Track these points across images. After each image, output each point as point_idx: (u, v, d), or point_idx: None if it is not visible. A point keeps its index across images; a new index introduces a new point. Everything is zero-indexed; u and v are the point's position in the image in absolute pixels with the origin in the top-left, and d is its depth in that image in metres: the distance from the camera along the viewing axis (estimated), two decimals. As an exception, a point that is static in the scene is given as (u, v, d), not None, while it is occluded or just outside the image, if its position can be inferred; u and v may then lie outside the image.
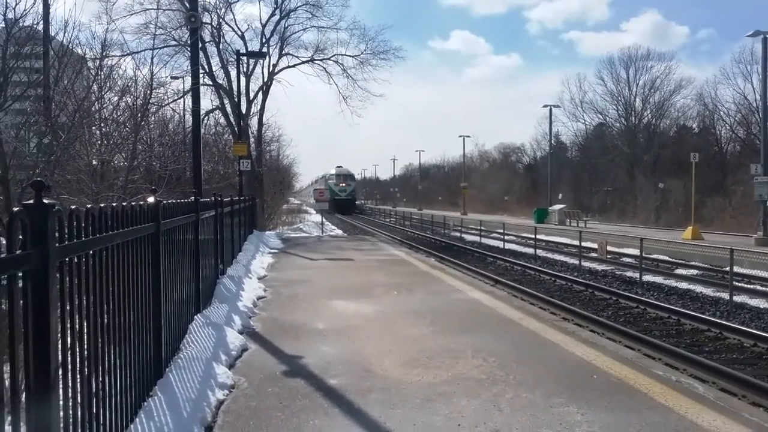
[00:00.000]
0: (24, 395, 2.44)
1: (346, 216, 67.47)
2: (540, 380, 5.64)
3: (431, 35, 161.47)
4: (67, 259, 2.84)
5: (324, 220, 32.91)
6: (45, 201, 2.52)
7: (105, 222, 3.47)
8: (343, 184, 79.76)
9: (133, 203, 4.34)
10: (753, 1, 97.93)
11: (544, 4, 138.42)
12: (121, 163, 13.05)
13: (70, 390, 2.90)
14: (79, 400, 3.02)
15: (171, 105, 23.11)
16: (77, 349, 3.04)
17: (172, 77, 24.01)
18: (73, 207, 2.96)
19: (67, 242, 2.83)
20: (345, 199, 78.31)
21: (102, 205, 3.49)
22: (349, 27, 31.80)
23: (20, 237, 2.40)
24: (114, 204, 3.75)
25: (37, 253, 2.46)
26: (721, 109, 54.76)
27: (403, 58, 39.15)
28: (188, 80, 22.89)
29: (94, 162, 10.46)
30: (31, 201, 2.51)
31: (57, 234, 2.70)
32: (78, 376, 3.02)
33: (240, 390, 5.43)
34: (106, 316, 3.53)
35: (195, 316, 7.12)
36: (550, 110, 52.36)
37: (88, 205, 3.14)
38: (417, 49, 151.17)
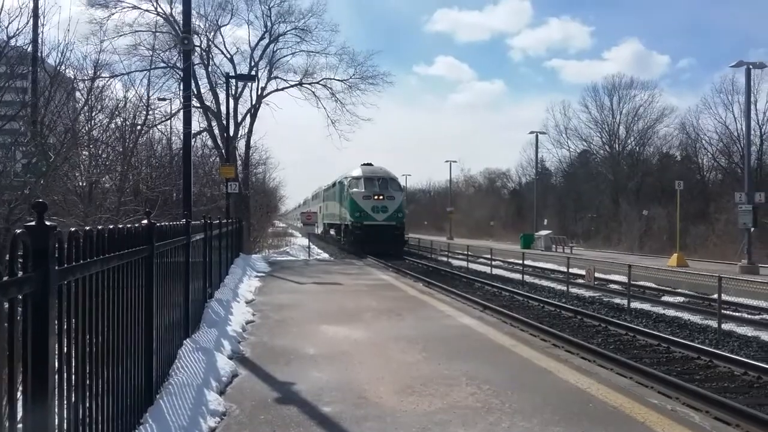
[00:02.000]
0: (21, 417, 2.36)
1: (384, 258, 30.94)
2: (536, 409, 5.58)
3: (416, 61, 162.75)
4: (65, 282, 2.77)
5: (311, 243, 32.76)
6: (47, 223, 2.46)
7: (102, 244, 3.40)
8: (381, 197, 36.52)
9: (128, 225, 4.27)
10: (731, 31, 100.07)
11: (527, 32, 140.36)
12: (108, 185, 12.93)
13: (65, 415, 2.82)
14: (72, 428, 2.92)
15: (158, 126, 23.04)
16: (72, 373, 2.95)
17: (159, 99, 23.93)
18: (72, 229, 2.89)
19: (66, 265, 2.76)
20: (387, 227, 35.73)
21: (99, 227, 3.42)
22: (338, 52, 31.99)
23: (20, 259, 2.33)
24: (111, 226, 3.68)
25: (38, 276, 2.40)
26: (703, 138, 55.66)
27: (391, 83, 39.08)
28: (176, 102, 22.92)
29: (82, 183, 10.34)
30: (33, 222, 2.44)
31: (57, 256, 2.64)
32: (72, 401, 2.94)
33: (232, 417, 5.32)
34: (99, 339, 3.45)
35: (184, 341, 7.00)
36: (536, 137, 52.92)
37: (87, 228, 3.07)
38: (402, 74, 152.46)
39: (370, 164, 40.13)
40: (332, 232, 45.70)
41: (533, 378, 6.76)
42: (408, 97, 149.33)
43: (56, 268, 2.59)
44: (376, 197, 36.38)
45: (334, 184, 44.59)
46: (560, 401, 5.85)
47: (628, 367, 9.58)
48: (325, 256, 33.76)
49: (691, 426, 5.22)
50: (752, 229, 25.34)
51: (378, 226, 35.36)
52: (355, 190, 36.88)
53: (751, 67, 25.89)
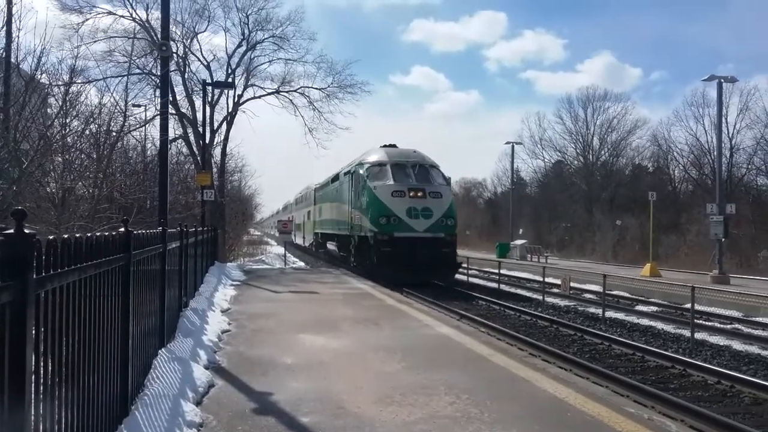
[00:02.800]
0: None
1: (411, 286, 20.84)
2: (515, 418, 5.59)
3: (392, 70, 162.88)
4: (43, 291, 2.71)
5: (286, 252, 32.59)
6: (26, 231, 2.41)
7: (80, 253, 3.34)
8: (421, 194, 22.87)
9: (106, 233, 4.20)
10: (702, 45, 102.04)
11: (502, 43, 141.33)
12: (81, 191, 12.74)
13: (41, 424, 2.76)
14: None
15: (132, 133, 22.79)
16: (47, 384, 2.88)
17: (134, 105, 23.68)
18: (50, 237, 2.83)
19: (44, 273, 2.70)
20: (432, 241, 22.33)
21: (77, 235, 3.36)
22: (315, 60, 31.88)
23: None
24: (89, 234, 3.62)
25: (16, 285, 2.34)
26: (674, 150, 56.56)
27: (369, 92, 38.97)
28: (151, 109, 22.70)
29: (56, 190, 10.17)
30: (11, 230, 2.39)
31: (35, 265, 2.58)
32: (48, 410, 2.87)
33: (209, 428, 5.25)
34: (75, 349, 3.38)
35: (159, 351, 6.90)
36: (512, 147, 53.26)
37: (65, 236, 3.01)
38: (378, 84, 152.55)
39: (394, 146, 26.26)
40: (332, 246, 32.92)
41: (511, 387, 6.78)
42: (385, 107, 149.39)
43: (34, 277, 2.53)
44: (412, 194, 22.79)
45: (336, 178, 30.58)
46: (539, 411, 5.87)
47: (604, 377, 9.64)
48: (301, 264, 33.62)
49: (668, 435, 5.27)
50: (723, 240, 25.79)
51: (418, 240, 22.11)
52: (378, 183, 23.20)
53: (722, 81, 26.40)
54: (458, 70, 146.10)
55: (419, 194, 22.85)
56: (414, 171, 23.79)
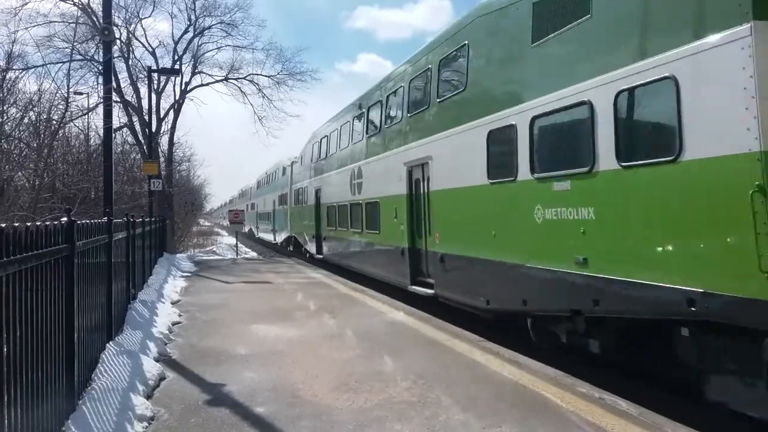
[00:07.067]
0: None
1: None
2: (471, 401, 5.63)
3: (338, 58, 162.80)
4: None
5: (238, 242, 32.19)
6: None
7: (19, 243, 3.18)
8: None
9: (47, 223, 4.02)
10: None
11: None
12: (21, 181, 12.28)
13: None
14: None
15: (75, 122, 22.05)
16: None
17: (76, 93, 22.88)
18: (-14, 225, 2.68)
19: (-21, 264, 2.56)
20: None
21: (16, 224, 3.20)
22: (265, 47, 31.91)
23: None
24: (28, 224, 3.45)
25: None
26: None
27: (320, 80, 38.90)
28: (94, 96, 22.01)
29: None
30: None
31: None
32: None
33: (160, 422, 5.12)
34: (15, 344, 3.22)
35: (107, 344, 6.71)
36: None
37: (2, 225, 2.86)
38: (326, 71, 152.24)
39: None
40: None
41: (466, 371, 6.82)
42: (332, 94, 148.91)
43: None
44: None
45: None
46: (493, 393, 5.92)
47: (556, 358, 9.79)
48: (254, 255, 33.24)
49: (619, 413, 5.38)
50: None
51: None
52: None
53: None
54: (404, 57, 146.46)
55: None
56: None
